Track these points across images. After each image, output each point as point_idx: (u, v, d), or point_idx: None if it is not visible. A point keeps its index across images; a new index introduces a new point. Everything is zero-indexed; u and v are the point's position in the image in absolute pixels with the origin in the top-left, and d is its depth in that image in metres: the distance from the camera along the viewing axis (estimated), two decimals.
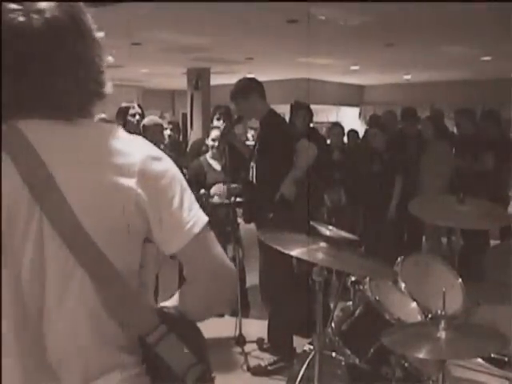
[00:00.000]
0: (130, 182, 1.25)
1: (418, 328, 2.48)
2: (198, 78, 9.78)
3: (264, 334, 4.52)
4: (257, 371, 4.22)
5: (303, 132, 5.75)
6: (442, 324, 2.24)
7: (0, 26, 1.21)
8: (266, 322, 4.43)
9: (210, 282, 1.33)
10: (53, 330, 1.25)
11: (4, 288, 1.23)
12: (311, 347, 2.83)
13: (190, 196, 1.32)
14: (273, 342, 4.41)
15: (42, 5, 1.22)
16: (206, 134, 5.49)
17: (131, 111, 5.17)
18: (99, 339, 1.27)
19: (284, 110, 6.71)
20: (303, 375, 2.87)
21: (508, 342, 2.21)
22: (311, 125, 6.46)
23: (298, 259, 2.79)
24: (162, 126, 4.94)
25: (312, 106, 6.41)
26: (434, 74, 12.37)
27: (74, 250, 1.22)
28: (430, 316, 2.80)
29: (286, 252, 2.48)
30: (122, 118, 5.06)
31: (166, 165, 1.32)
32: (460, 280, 3.06)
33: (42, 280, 1.23)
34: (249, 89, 4.33)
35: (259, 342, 4.62)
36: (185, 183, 1.33)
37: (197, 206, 1.33)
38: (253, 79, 4.54)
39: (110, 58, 1.44)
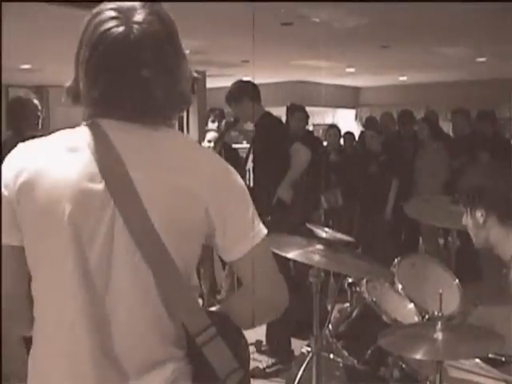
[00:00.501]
0: (202, 189, 1.32)
1: (415, 329, 2.48)
2: (194, 82, 9.78)
3: (262, 337, 4.52)
4: (255, 374, 4.22)
5: (299, 134, 5.77)
6: (439, 325, 2.24)
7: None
8: (263, 325, 4.43)
9: (263, 292, 1.39)
10: (116, 319, 1.30)
11: (71, 275, 1.28)
12: (309, 349, 2.83)
13: (253, 208, 1.40)
14: (271, 344, 4.42)
15: (142, 16, 1.30)
16: (203, 137, 5.50)
17: None
18: (157, 333, 1.33)
19: (280, 113, 6.72)
20: (301, 377, 2.87)
21: (505, 342, 2.21)
22: (310, 128, 6.47)
23: (296, 261, 2.79)
24: None
25: (308, 109, 6.42)
26: (430, 75, 12.38)
27: (141, 246, 1.27)
28: (426, 317, 2.80)
29: (283, 254, 2.48)
30: None
31: (235, 177, 1.40)
32: (457, 281, 3.07)
33: (109, 271, 1.29)
34: (241, 92, 4.33)
35: (257, 344, 4.63)
36: (249, 196, 1.41)
37: (258, 218, 1.40)
38: (246, 82, 4.54)
39: (194, 74, 1.46)
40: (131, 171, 1.29)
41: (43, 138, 1.37)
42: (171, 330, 1.33)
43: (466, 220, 2.48)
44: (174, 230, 1.29)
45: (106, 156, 1.30)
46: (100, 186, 1.28)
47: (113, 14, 1.30)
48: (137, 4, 1.33)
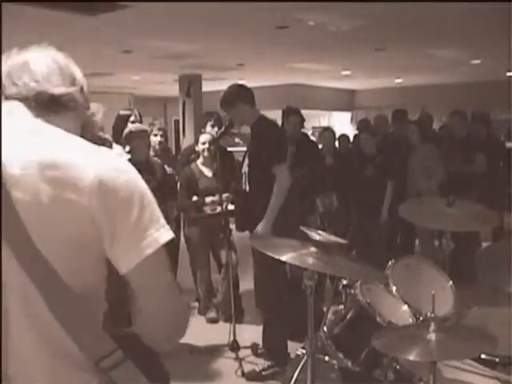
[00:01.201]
0: (84, 197, 1.17)
1: (409, 330, 2.50)
2: (190, 85, 9.81)
3: (258, 340, 4.52)
4: (251, 376, 4.22)
5: (295, 137, 5.78)
6: (433, 326, 2.26)
7: None
8: (259, 328, 4.44)
9: (154, 310, 1.26)
10: (15, 346, 1.19)
11: None
12: (304, 351, 2.85)
13: (151, 212, 1.23)
14: (267, 347, 4.42)
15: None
16: (197, 140, 5.52)
17: (132, 118, 5.17)
18: (60, 358, 1.21)
19: (276, 116, 6.75)
20: (297, 379, 2.88)
21: (498, 343, 2.23)
22: (310, 131, 6.48)
23: (291, 264, 2.80)
24: (146, 131, 4.92)
25: (304, 112, 6.43)
26: (425, 77, 12.44)
27: (24, 265, 1.15)
28: (420, 318, 2.82)
29: (277, 257, 2.49)
30: (124, 125, 5.03)
31: (126, 178, 1.23)
32: (451, 282, 3.09)
33: (4, 292, 1.18)
34: (235, 97, 4.30)
35: (253, 347, 4.63)
36: (149, 198, 1.24)
37: (159, 224, 1.23)
38: (240, 86, 4.51)
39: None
40: (11, 185, 1.15)
41: None
42: (79, 355, 1.20)
43: None
44: (59, 245, 1.17)
45: None
46: None
47: None
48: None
